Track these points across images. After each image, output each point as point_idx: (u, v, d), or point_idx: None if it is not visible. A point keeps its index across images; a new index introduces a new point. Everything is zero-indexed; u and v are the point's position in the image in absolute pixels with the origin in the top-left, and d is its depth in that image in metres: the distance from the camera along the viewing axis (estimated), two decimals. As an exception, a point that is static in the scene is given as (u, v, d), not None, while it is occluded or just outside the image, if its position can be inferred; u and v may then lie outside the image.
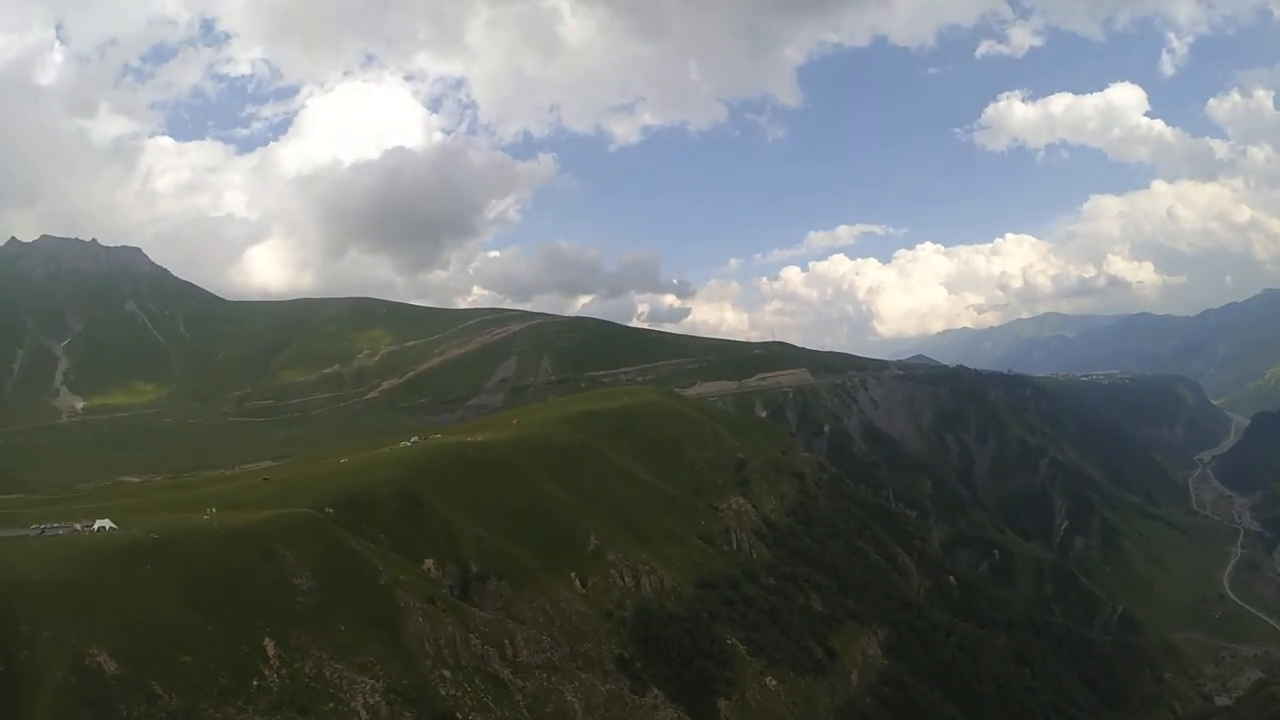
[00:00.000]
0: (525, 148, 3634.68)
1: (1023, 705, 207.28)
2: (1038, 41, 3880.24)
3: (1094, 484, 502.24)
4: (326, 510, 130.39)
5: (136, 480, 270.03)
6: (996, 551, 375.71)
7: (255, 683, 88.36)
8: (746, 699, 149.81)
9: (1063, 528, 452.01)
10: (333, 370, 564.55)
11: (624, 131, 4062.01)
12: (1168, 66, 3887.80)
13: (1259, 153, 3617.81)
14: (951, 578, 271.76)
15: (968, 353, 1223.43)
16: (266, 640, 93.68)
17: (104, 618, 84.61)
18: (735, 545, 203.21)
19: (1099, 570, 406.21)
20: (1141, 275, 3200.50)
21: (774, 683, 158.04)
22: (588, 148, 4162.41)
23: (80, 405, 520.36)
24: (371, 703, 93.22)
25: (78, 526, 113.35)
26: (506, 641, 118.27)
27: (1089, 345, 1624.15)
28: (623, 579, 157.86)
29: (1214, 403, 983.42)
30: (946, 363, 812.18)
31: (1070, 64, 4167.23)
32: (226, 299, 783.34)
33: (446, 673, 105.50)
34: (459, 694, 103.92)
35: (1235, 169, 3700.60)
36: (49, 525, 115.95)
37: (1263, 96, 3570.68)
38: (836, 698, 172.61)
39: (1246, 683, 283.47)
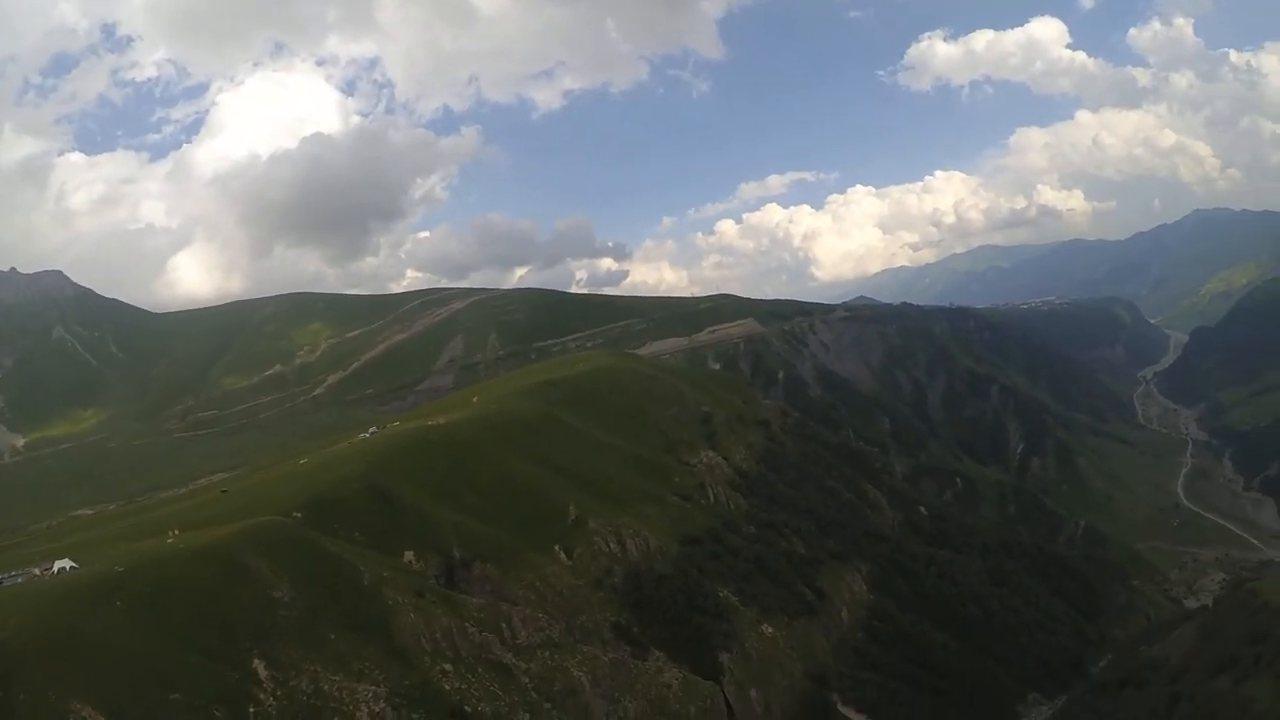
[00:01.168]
0: (446, 123, 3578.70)
1: (1007, 624, 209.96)
2: None
3: (1045, 407, 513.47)
4: (294, 515, 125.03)
5: (90, 512, 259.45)
6: (958, 480, 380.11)
7: (251, 710, 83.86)
8: (746, 649, 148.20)
9: (1018, 451, 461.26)
10: (275, 371, 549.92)
11: (546, 98, 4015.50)
12: None
13: (1181, 79, 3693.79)
14: (922, 508, 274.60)
15: (906, 290, 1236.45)
16: (256, 662, 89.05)
17: (82, 667, 79.38)
18: (712, 498, 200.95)
19: (1057, 490, 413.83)
20: (1071, 203, 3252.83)
21: (770, 630, 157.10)
22: (510, 118, 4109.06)
23: (21, 442, 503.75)
24: (376, 710, 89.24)
25: (36, 571, 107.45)
26: (504, 625, 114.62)
27: (1025, 274, 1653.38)
28: (608, 545, 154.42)
29: (1151, 321, 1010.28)
30: (888, 302, 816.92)
31: (990, 1, 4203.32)
32: (156, 312, 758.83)
33: (448, 666, 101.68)
34: (464, 686, 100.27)
35: (1158, 95, 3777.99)
36: (6, 575, 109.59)
37: (1183, 24, 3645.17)
38: (831, 637, 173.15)
39: (1211, 584, 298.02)
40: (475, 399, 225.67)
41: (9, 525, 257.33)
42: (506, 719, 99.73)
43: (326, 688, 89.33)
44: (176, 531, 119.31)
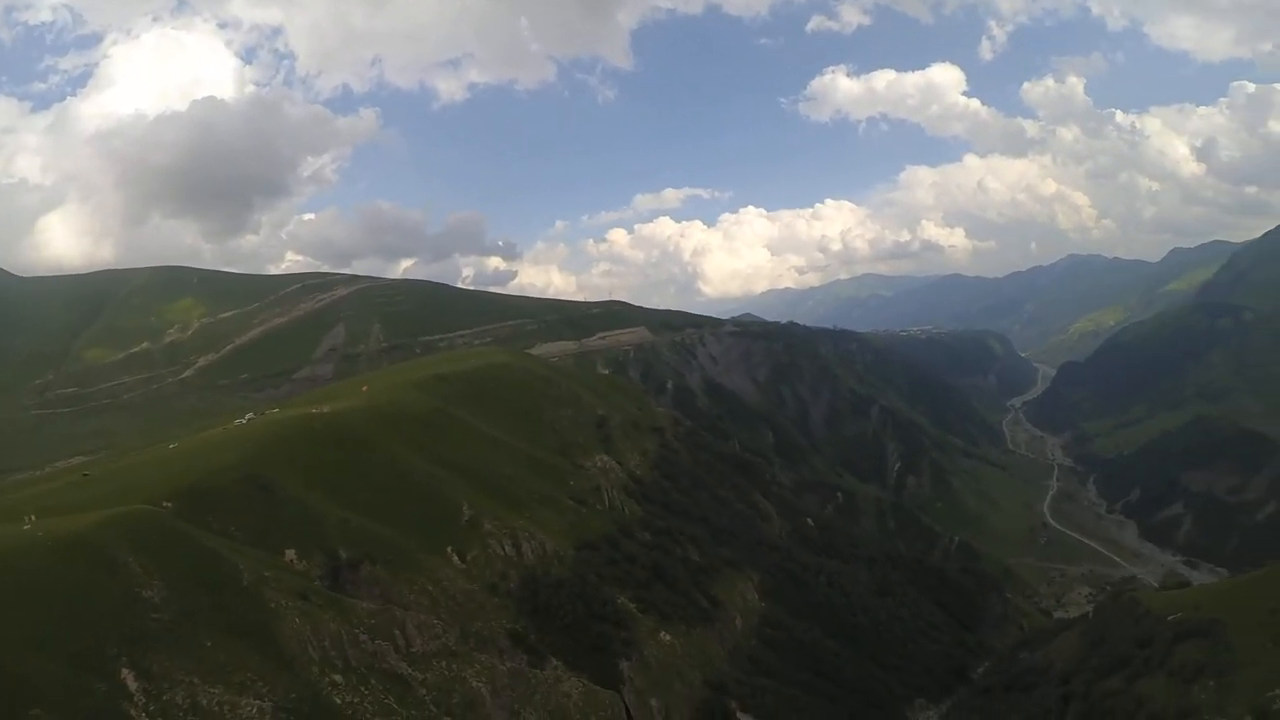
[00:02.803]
0: (345, 102, 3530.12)
1: (893, 633, 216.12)
2: (867, 20, 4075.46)
3: (921, 429, 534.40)
4: (165, 505, 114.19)
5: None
6: (840, 494, 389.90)
7: (122, 727, 74.31)
8: (646, 657, 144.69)
9: (896, 469, 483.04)
10: (142, 348, 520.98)
11: (450, 88, 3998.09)
12: (987, 51, 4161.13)
13: (1067, 132, 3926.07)
14: (810, 520, 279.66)
15: (791, 311, 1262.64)
16: (124, 672, 78.94)
17: (-71, 676, 69.00)
18: (608, 503, 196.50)
19: (932, 507, 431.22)
20: (954, 240, 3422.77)
21: (668, 637, 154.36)
22: (411, 104, 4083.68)
23: None
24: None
25: None
26: (397, 632, 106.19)
27: (905, 304, 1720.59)
28: (503, 548, 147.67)
29: (1022, 355, 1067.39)
30: (774, 320, 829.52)
31: (896, 43, 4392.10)
32: (20, 275, 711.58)
33: (338, 678, 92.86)
34: (356, 700, 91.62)
35: (1044, 146, 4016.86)
36: None
37: (1075, 82, 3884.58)
38: (726, 644, 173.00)
39: (1078, 598, 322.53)
40: (365, 388, 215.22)
41: None
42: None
43: (205, 701, 79.99)
44: (34, 517, 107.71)
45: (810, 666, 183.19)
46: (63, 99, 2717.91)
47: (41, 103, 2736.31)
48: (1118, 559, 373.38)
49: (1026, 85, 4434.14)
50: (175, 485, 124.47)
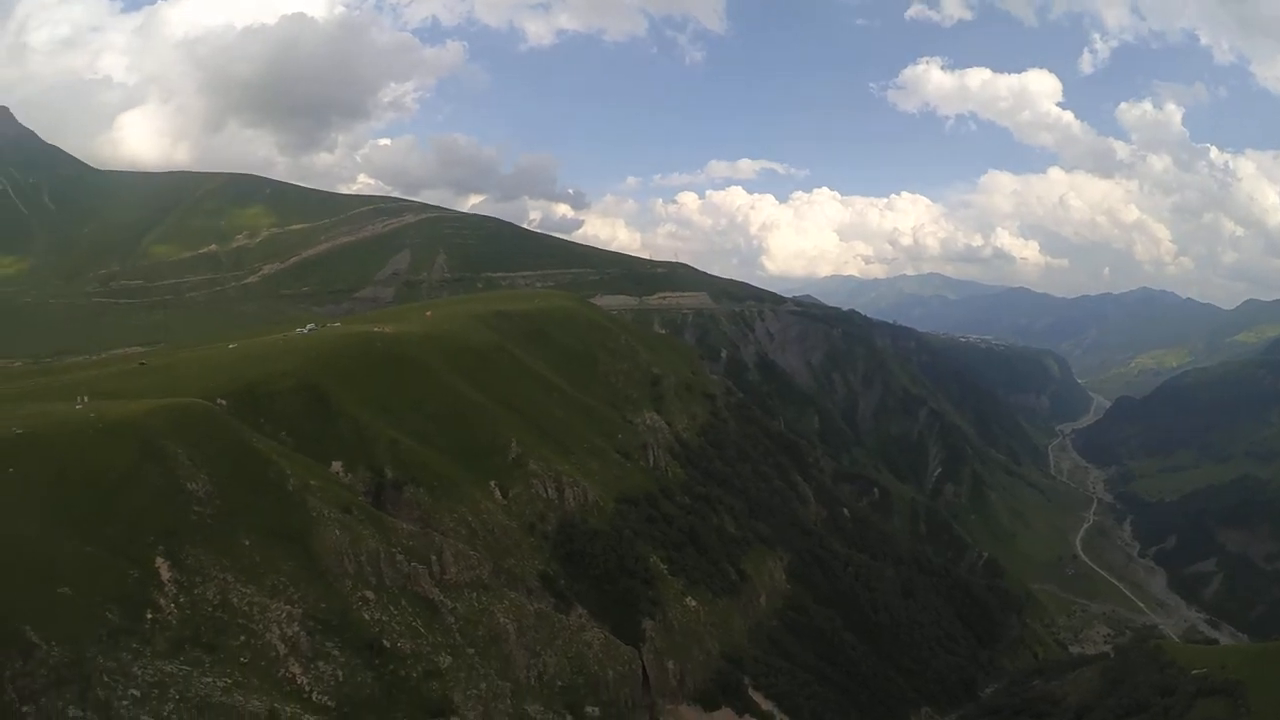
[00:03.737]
0: (432, 34, 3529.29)
1: (912, 637, 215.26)
2: (968, 14, 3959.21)
3: (966, 438, 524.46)
4: (219, 402, 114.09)
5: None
6: (876, 489, 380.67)
7: (150, 616, 73.55)
8: (669, 619, 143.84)
9: (935, 474, 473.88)
10: (209, 250, 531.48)
11: (538, 31, 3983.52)
12: (1087, 64, 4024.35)
13: (1158, 161, 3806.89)
14: (846, 510, 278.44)
15: (851, 300, 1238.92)
16: (159, 561, 78.78)
17: (-43, 544, 68.51)
18: (652, 462, 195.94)
19: (966, 517, 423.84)
20: (1026, 253, 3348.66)
21: (694, 603, 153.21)
22: (498, 43, 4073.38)
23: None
24: (289, 634, 79.75)
25: None
26: (434, 557, 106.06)
27: (968, 309, 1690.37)
28: (546, 490, 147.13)
29: (1079, 381, 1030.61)
30: (833, 306, 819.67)
31: (995, 42, 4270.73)
32: (97, 168, 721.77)
33: (369, 594, 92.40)
34: (385, 618, 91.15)
35: (1132, 171, 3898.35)
36: None
37: (1173, 111, 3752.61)
38: (748, 619, 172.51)
39: (1096, 636, 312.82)
40: (429, 314, 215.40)
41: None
42: (427, 659, 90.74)
43: (236, 600, 79.59)
44: (86, 398, 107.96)
45: (827, 656, 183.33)
46: (153, 2, 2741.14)
47: (131, 4, 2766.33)
48: (1141, 605, 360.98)
49: (1123, 106, 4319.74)
50: (231, 385, 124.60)
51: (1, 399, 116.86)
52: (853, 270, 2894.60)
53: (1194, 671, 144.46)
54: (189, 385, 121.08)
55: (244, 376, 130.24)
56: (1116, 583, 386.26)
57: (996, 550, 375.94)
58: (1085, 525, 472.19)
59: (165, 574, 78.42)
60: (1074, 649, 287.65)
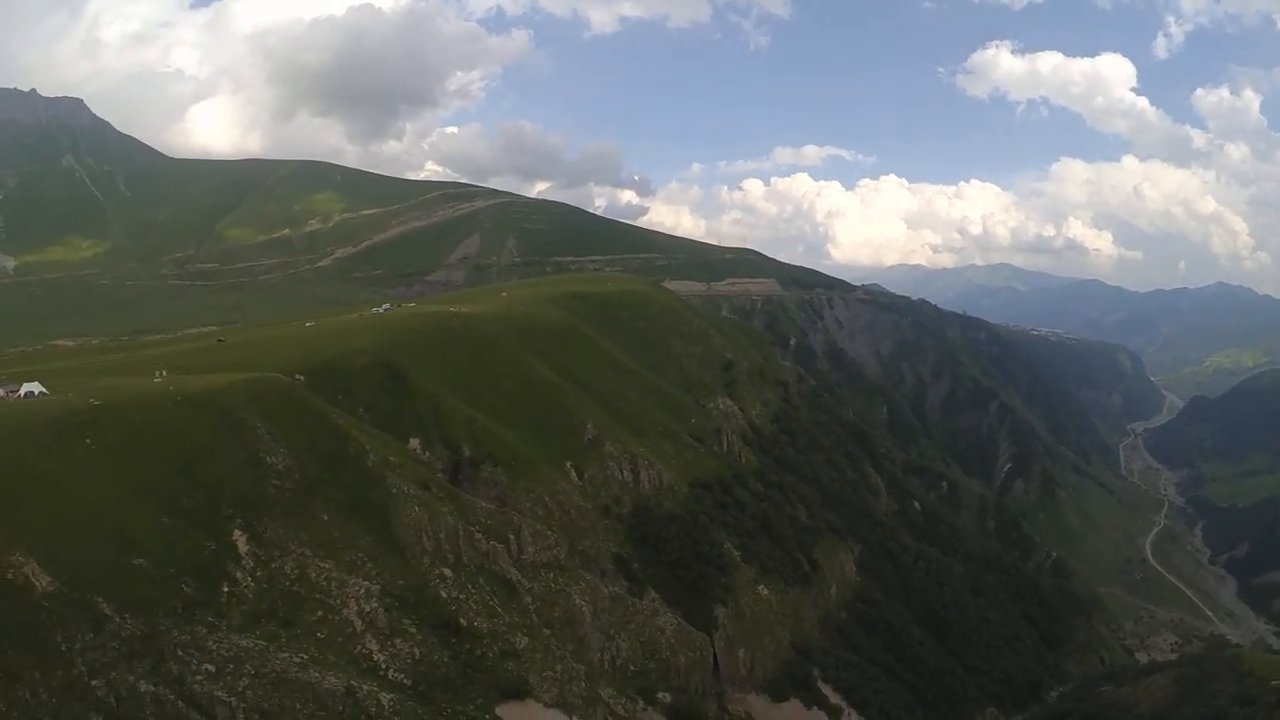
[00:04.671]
0: (497, 23, 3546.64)
1: (980, 635, 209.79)
2: None
3: (1037, 434, 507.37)
4: (297, 377, 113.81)
5: (71, 344, 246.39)
6: (945, 483, 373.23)
7: (226, 589, 73.62)
8: (742, 607, 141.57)
9: (1004, 470, 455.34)
10: (282, 235, 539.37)
11: (602, 19, 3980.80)
12: (1161, 49, 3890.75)
13: (1235, 150, 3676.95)
14: (917, 503, 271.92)
15: (918, 289, 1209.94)
16: (236, 534, 78.75)
17: (30, 513, 68.19)
18: (725, 447, 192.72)
19: (1034, 516, 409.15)
20: (1100, 244, 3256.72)
21: (766, 591, 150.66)
22: (562, 31, 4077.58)
23: (12, 265, 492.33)
24: (367, 610, 78.93)
25: (1, 393, 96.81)
26: (512, 537, 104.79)
27: (1038, 301, 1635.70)
28: (621, 473, 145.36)
29: (1151, 379, 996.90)
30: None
31: (1067, 25, 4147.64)
32: (170, 156, 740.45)
33: (447, 571, 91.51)
34: (462, 596, 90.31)
35: (1209, 161, 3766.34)
36: None
37: (1251, 97, 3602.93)
38: (818, 610, 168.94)
39: (1164, 643, 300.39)
40: (505, 294, 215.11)
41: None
42: (503, 639, 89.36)
43: (314, 575, 79.04)
44: (164, 373, 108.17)
45: (895, 651, 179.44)
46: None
47: (200, 0, 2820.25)
48: (1210, 613, 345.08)
49: (1199, 92, 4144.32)
50: (308, 361, 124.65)
51: (80, 373, 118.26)
52: (920, 259, 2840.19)
53: (1275, 682, 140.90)
54: (267, 361, 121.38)
55: (322, 353, 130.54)
56: (1185, 589, 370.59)
57: (1064, 550, 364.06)
58: (1155, 529, 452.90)
59: (243, 547, 77.99)
60: (1140, 656, 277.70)
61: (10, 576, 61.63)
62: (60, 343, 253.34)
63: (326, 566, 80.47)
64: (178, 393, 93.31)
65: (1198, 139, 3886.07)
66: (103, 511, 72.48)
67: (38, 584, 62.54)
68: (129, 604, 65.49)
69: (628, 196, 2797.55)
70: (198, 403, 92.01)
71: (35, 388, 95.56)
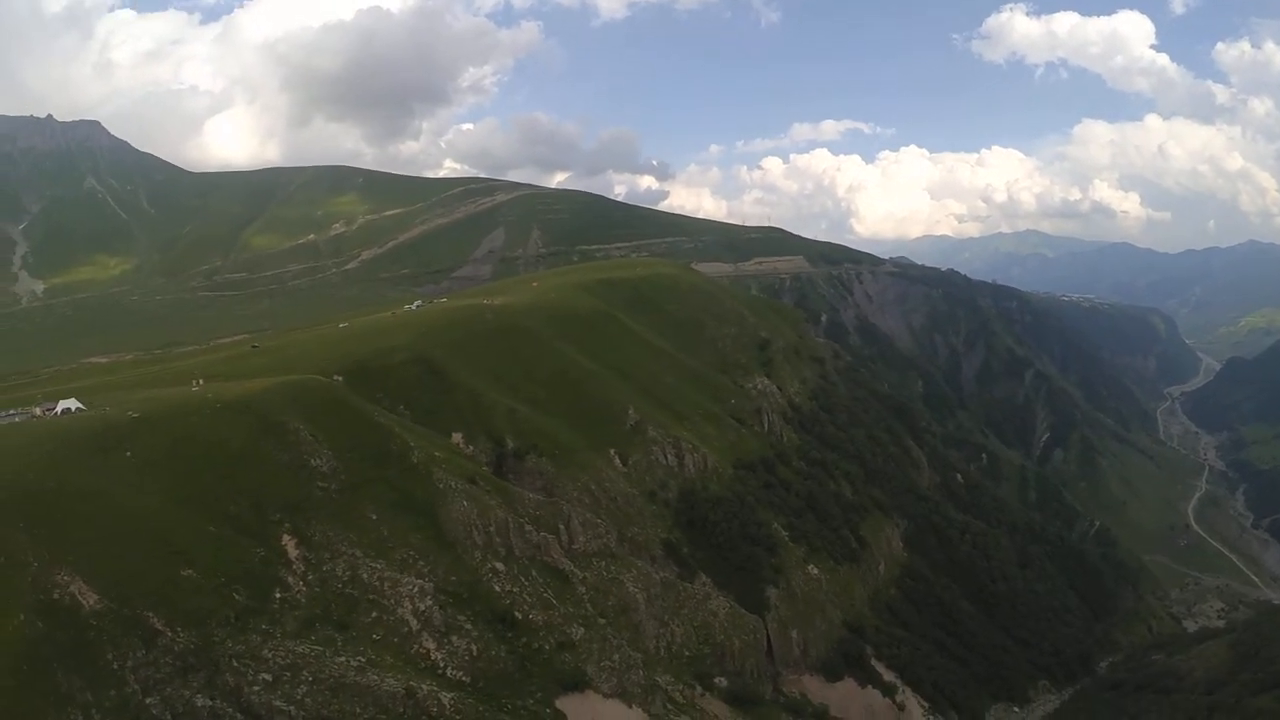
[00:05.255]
0: (505, 17, 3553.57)
1: (1028, 608, 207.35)
2: None
3: (1074, 402, 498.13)
4: (335, 378, 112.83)
5: (105, 360, 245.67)
6: (984, 455, 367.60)
7: (278, 594, 72.38)
8: (792, 587, 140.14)
9: (1043, 440, 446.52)
10: (308, 240, 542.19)
11: (610, 5, 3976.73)
12: (1178, 3, 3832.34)
13: (1260, 105, 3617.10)
14: (959, 475, 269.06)
15: (945, 260, 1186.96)
16: (285, 538, 77.69)
17: (76, 529, 66.74)
18: (766, 427, 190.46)
19: (1075, 485, 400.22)
20: (1127, 206, 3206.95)
21: (815, 570, 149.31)
22: (571, 21, 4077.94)
23: (41, 288, 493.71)
24: (422, 608, 77.72)
25: (37, 411, 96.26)
26: (562, 526, 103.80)
27: (1068, 266, 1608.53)
28: (665, 457, 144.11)
29: (1186, 341, 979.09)
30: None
31: None
32: (191, 171, 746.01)
33: (499, 565, 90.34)
34: (515, 589, 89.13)
35: (1234, 116, 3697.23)
36: (2, 413, 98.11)
37: (1273, 50, 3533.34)
38: (867, 587, 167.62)
39: (1210, 610, 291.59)
40: (535, 284, 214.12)
41: (19, 368, 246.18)
42: (559, 631, 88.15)
43: (365, 576, 77.86)
44: (201, 381, 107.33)
45: (945, 626, 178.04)
46: (230, 10, 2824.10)
47: (210, 15, 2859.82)
48: (1255, 579, 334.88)
49: (1220, 46, 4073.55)
50: (345, 361, 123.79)
51: (115, 387, 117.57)
52: (945, 230, 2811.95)
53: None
54: (303, 363, 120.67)
55: (357, 353, 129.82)
56: (1230, 555, 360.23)
57: (1106, 519, 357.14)
58: (1197, 494, 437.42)
59: (292, 551, 76.88)
60: (1187, 623, 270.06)
61: (56, 596, 60.28)
62: (93, 360, 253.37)
63: (378, 566, 79.39)
64: (216, 400, 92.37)
65: (1221, 94, 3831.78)
66: (147, 524, 71.31)
67: (85, 602, 61.08)
68: (180, 617, 64.19)
69: (647, 182, 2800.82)
70: (237, 408, 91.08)
71: (72, 404, 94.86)
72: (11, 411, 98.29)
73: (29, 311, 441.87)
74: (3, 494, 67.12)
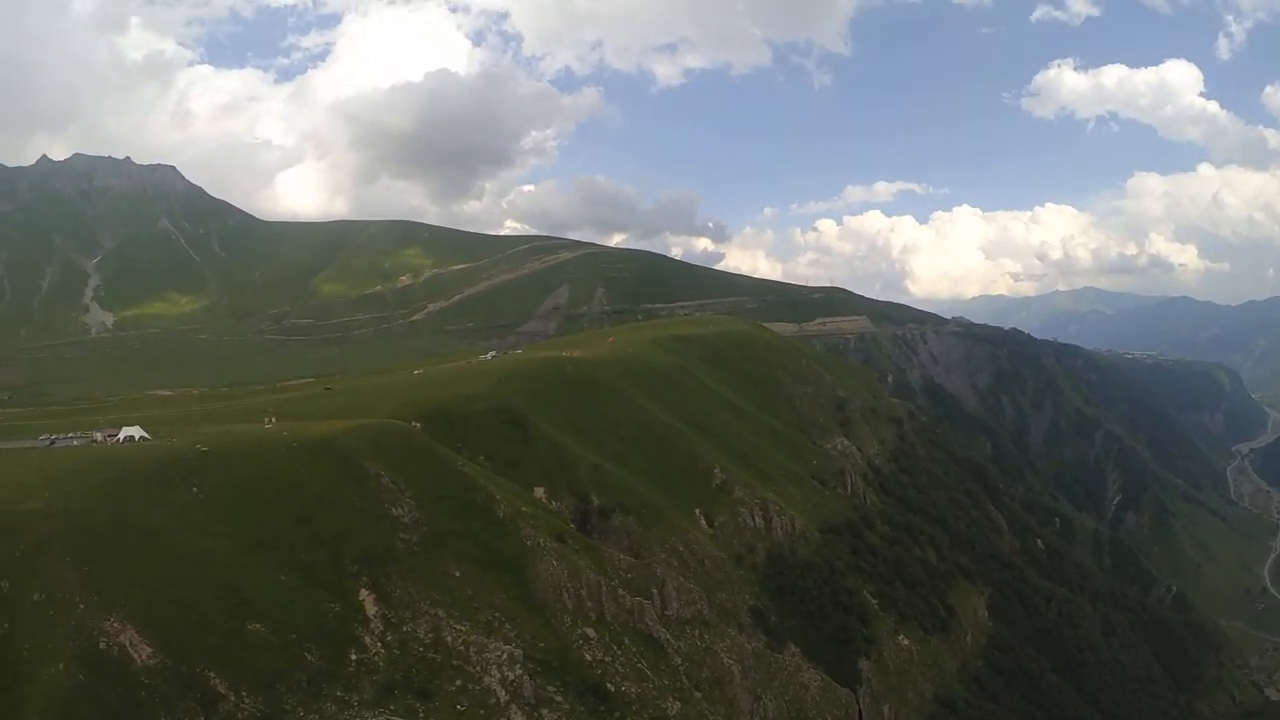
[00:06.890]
0: (567, 83, 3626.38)
1: (1115, 679, 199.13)
2: (1095, 10, 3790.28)
3: (1145, 463, 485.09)
4: (414, 424, 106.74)
5: (170, 394, 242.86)
6: (1057, 519, 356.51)
7: (354, 656, 65.73)
8: (884, 658, 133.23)
9: (1115, 502, 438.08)
10: (375, 291, 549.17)
11: (667, 72, 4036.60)
12: (1224, 49, 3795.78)
13: None
14: (1039, 541, 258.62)
15: (1002, 319, 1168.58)
16: (363, 593, 71.16)
17: (131, 570, 60.69)
18: (849, 489, 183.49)
19: (1149, 549, 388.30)
20: (1184, 258, 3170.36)
21: (906, 641, 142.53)
22: (630, 86, 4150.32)
23: (111, 321, 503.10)
24: (511, 677, 70.46)
25: (98, 437, 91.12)
26: (655, 591, 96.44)
27: (1127, 323, 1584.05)
28: (753, 519, 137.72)
29: (1252, 395, 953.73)
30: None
31: (1126, 36, 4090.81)
32: (262, 219, 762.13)
33: (590, 631, 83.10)
34: (608, 659, 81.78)
35: None
36: (60, 435, 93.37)
37: None
38: (955, 658, 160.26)
39: None
40: (611, 339, 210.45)
41: (83, 396, 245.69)
42: (654, 705, 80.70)
43: (449, 639, 71.04)
44: (274, 419, 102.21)
45: (1034, 699, 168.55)
46: (304, 71, 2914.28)
47: (284, 75, 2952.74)
48: None
49: (1269, 90, 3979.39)
50: (422, 406, 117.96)
51: (182, 420, 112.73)
52: (1001, 289, 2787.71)
53: None
54: (378, 408, 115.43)
55: (435, 399, 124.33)
56: None
57: (1182, 583, 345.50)
58: (1272, 555, 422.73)
59: (370, 608, 70.54)
60: (1268, 692, 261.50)
61: (103, 646, 53.91)
62: (159, 392, 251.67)
63: (463, 629, 72.71)
64: (293, 439, 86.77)
65: (1273, 139, 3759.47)
66: (212, 568, 64.94)
67: (136, 656, 54.49)
68: (245, 678, 57.46)
69: (703, 244, 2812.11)
70: (315, 449, 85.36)
71: (136, 432, 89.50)
72: (70, 435, 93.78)
73: (97, 343, 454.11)
74: (49, 523, 61.38)
